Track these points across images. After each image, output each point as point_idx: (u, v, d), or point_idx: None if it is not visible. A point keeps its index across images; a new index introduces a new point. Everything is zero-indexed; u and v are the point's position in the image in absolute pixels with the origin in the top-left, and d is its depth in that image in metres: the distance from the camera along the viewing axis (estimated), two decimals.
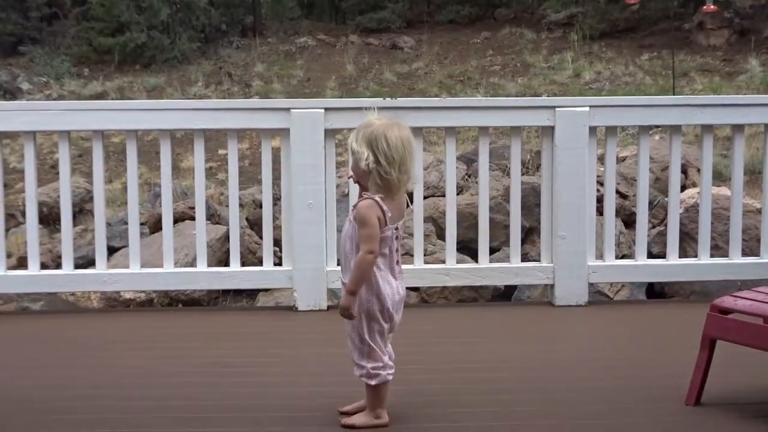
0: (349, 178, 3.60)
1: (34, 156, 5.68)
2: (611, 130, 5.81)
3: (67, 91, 20.59)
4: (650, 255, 6.08)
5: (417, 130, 5.75)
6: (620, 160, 9.80)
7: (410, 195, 6.00)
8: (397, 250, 3.51)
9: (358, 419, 3.52)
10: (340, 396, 3.73)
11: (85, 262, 7.61)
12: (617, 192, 6.82)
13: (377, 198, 3.36)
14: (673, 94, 15.52)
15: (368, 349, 3.45)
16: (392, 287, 3.47)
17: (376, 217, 3.34)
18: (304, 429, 3.51)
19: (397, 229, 3.46)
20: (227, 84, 20.97)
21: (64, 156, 5.69)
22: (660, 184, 9.13)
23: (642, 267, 5.86)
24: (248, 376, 4.23)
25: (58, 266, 6.28)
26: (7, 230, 6.06)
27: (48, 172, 13.45)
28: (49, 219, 9.97)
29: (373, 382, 3.47)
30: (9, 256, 6.63)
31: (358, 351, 3.47)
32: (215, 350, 4.77)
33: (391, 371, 3.50)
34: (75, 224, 6.59)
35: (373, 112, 3.49)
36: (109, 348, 4.87)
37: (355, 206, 3.43)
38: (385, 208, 3.36)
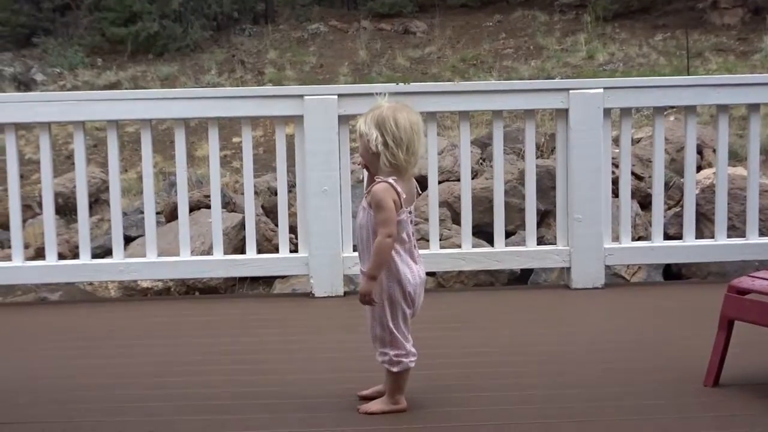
0: (358, 164, 3.58)
1: (50, 147, 5.70)
2: (626, 111, 5.79)
3: (81, 81, 20.65)
4: (666, 236, 6.07)
5: (431, 115, 5.75)
6: (635, 142, 9.78)
7: (423, 180, 5.99)
8: (413, 234, 3.50)
9: (376, 406, 3.52)
10: (358, 382, 3.74)
11: (102, 251, 7.64)
12: (632, 174, 6.80)
13: (391, 181, 3.35)
14: (688, 75, 15.43)
15: (390, 337, 3.44)
16: (413, 271, 3.45)
17: (392, 200, 3.33)
18: (322, 415, 3.52)
19: (410, 212, 3.45)
20: (240, 72, 20.99)
21: (79, 146, 5.71)
22: (675, 165, 9.10)
23: (658, 248, 5.85)
24: (266, 363, 4.24)
25: (76, 256, 6.31)
26: (24, 221, 6.09)
27: (63, 162, 13.51)
28: (66, 209, 10.02)
29: (395, 369, 3.46)
30: (26, 246, 6.65)
31: (380, 339, 3.46)
32: (233, 338, 4.79)
33: (414, 358, 3.49)
34: (91, 214, 6.61)
35: (383, 97, 3.49)
36: (128, 337, 4.89)
37: (368, 192, 3.41)
38: (399, 189, 3.36)
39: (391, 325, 3.43)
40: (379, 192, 3.34)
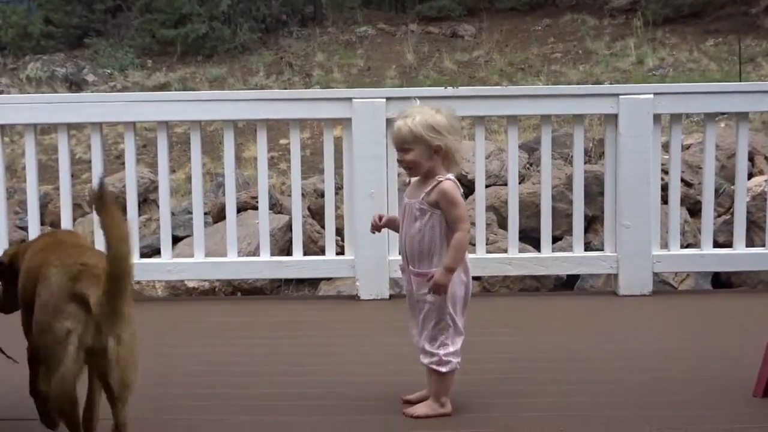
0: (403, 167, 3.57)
1: (101, 146, 5.77)
2: (676, 117, 5.73)
3: (131, 82, 20.86)
4: (716, 244, 6.00)
5: (478, 119, 5.75)
6: (685, 148, 9.68)
7: (470, 184, 5.99)
8: None
9: (421, 409, 3.51)
10: (403, 385, 3.73)
11: (150, 251, 7.72)
12: (682, 180, 6.73)
13: (453, 177, 3.42)
14: (740, 80, 15.24)
15: (445, 336, 3.45)
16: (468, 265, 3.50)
17: (461, 195, 3.41)
18: (367, 417, 3.53)
19: None
20: (288, 74, 21.07)
21: (129, 146, 5.77)
22: (725, 172, 9.00)
23: (708, 256, 5.78)
24: (311, 365, 4.26)
25: None
26: (74, 220, 6.16)
27: (113, 162, 13.66)
28: None
29: (444, 369, 3.45)
30: None
31: (431, 337, 3.45)
32: (278, 339, 4.81)
33: (459, 359, 3.49)
34: (140, 214, 6.68)
35: (415, 102, 3.57)
36: (174, 336, 4.94)
37: (428, 193, 3.40)
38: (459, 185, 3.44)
39: (450, 322, 3.44)
40: (451, 189, 3.39)
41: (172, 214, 6.82)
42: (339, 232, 5.91)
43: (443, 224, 3.41)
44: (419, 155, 3.42)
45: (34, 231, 5.80)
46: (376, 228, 3.70)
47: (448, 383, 3.50)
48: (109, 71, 21.68)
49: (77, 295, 2.86)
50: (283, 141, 13.61)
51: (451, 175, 3.41)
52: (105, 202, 2.84)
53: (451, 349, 3.45)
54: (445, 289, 3.38)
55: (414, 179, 3.53)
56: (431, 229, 3.42)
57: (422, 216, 3.43)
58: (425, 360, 3.48)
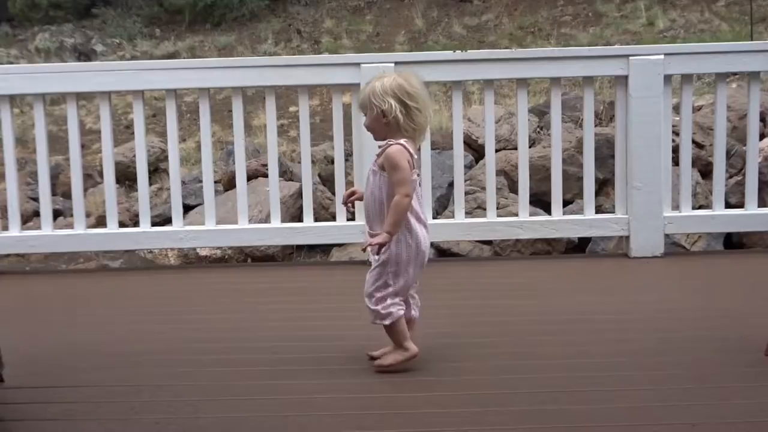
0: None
1: (110, 116, 5.78)
2: (687, 78, 5.70)
3: (140, 51, 20.82)
4: (728, 205, 5.98)
5: (488, 83, 5.72)
6: (696, 110, 9.63)
7: (480, 149, 5.97)
8: (421, 195, 3.62)
9: (388, 359, 3.61)
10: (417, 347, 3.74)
11: (162, 220, 7.75)
12: (693, 142, 6.71)
13: (403, 142, 3.45)
14: (751, 40, 15.12)
15: (381, 293, 3.53)
16: (423, 232, 3.55)
17: (406, 161, 3.44)
18: (384, 380, 3.53)
19: (418, 175, 3.57)
20: (297, 41, 21.00)
21: (138, 115, 5.78)
22: (737, 133, 8.95)
23: (719, 217, 5.77)
24: (324, 330, 4.27)
25: (136, 224, 6.40)
26: (85, 190, 6.19)
27: (122, 132, 13.67)
28: (125, 178, 10.16)
29: (387, 322, 3.55)
30: (88, 215, 6.77)
31: (368, 294, 3.55)
32: (291, 304, 4.84)
33: (401, 307, 3.57)
34: (150, 183, 6.70)
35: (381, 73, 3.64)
36: (188, 303, 4.97)
37: (379, 155, 3.50)
38: (412, 151, 3.47)
39: (391, 281, 3.52)
40: (394, 153, 3.44)
41: (183, 182, 6.84)
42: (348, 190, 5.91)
43: (390, 188, 3.47)
44: (372, 120, 3.51)
45: (45, 202, 5.82)
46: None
47: (400, 331, 3.58)
48: (117, 41, 21.64)
49: None
50: (292, 108, 13.61)
51: (403, 141, 3.45)
52: None
53: (388, 302, 3.53)
54: (381, 248, 3.46)
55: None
56: (379, 191, 3.50)
57: (374, 178, 3.53)
58: (370, 318, 3.59)
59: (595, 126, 6.11)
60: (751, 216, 5.75)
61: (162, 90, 5.98)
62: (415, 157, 3.49)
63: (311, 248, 8.29)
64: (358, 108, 3.64)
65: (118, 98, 14.22)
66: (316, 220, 5.99)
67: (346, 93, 5.85)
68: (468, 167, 8.72)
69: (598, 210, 6.18)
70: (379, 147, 3.54)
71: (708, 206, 6.50)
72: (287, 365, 3.72)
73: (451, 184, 7.75)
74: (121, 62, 15.25)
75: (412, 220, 3.50)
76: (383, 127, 3.48)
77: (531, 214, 5.91)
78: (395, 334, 3.59)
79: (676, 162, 5.86)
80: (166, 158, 8.99)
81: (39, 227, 5.98)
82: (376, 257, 3.54)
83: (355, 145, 5.67)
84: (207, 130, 5.77)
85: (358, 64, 5.58)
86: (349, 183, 6.13)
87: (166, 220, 6.45)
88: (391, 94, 3.43)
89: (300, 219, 6.17)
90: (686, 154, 5.71)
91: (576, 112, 9.70)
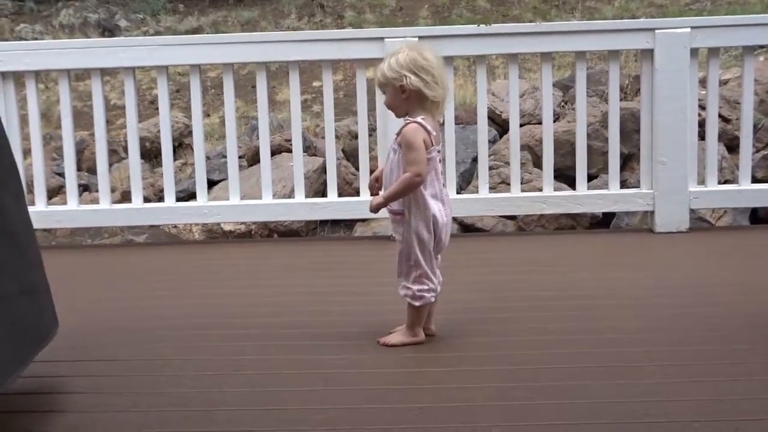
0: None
1: (135, 92, 5.79)
2: (713, 51, 5.64)
3: (164, 27, 20.82)
4: (754, 180, 5.94)
5: (512, 57, 5.69)
6: (722, 83, 9.53)
7: (504, 123, 5.94)
8: (442, 173, 3.60)
9: (395, 338, 3.64)
10: (438, 324, 3.75)
11: (186, 195, 7.79)
12: (719, 116, 6.64)
13: (420, 120, 3.44)
14: None
15: (417, 272, 3.54)
16: (440, 209, 3.54)
17: (422, 140, 3.43)
18: (405, 356, 3.54)
19: (438, 151, 3.54)
20: (320, 16, 20.92)
21: (162, 91, 5.79)
22: (765, 107, 8.88)
23: (745, 192, 5.73)
24: (349, 305, 4.28)
25: (160, 200, 6.43)
26: (110, 165, 6.21)
27: (147, 108, 13.70)
28: (150, 154, 10.20)
29: (417, 303, 3.57)
30: (113, 190, 6.80)
31: (406, 273, 3.57)
32: (315, 279, 4.85)
33: (435, 294, 3.60)
34: (175, 159, 6.73)
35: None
36: (213, 278, 4.99)
37: (399, 133, 3.50)
38: (429, 128, 3.45)
39: (421, 260, 3.53)
40: (409, 132, 3.44)
41: (207, 158, 6.85)
42: (373, 173, 5.90)
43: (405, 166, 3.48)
44: (391, 97, 3.52)
45: (71, 177, 5.85)
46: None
47: (422, 315, 3.62)
48: (141, 16, 21.64)
49: None
50: (316, 83, 13.59)
51: (420, 118, 3.44)
52: None
53: (424, 286, 3.56)
54: (376, 209, 3.57)
55: None
56: (398, 168, 3.50)
57: (393, 156, 3.54)
58: (402, 292, 3.60)
59: (620, 100, 6.06)
60: None
61: (186, 65, 5.99)
62: (434, 133, 3.47)
63: (335, 223, 8.30)
64: (377, 87, 3.62)
65: (142, 74, 14.24)
66: (340, 195, 5.99)
67: (370, 68, 5.82)
68: (492, 142, 8.69)
69: (623, 185, 6.16)
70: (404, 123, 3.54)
71: (734, 181, 6.45)
72: (310, 340, 3.74)
73: (474, 159, 7.74)
74: (144, 38, 15.28)
75: (428, 197, 3.49)
76: (403, 102, 3.48)
77: (555, 189, 5.89)
78: (415, 317, 3.62)
79: (702, 136, 5.81)
80: (190, 133, 9.02)
81: (65, 202, 6.02)
82: (399, 237, 3.57)
83: (379, 120, 5.65)
84: (231, 106, 5.77)
85: (381, 39, 5.56)
86: (373, 158, 6.12)
87: (191, 195, 6.49)
88: (406, 68, 3.42)
89: (324, 194, 6.18)
90: (713, 128, 5.67)
91: (601, 86, 9.64)
